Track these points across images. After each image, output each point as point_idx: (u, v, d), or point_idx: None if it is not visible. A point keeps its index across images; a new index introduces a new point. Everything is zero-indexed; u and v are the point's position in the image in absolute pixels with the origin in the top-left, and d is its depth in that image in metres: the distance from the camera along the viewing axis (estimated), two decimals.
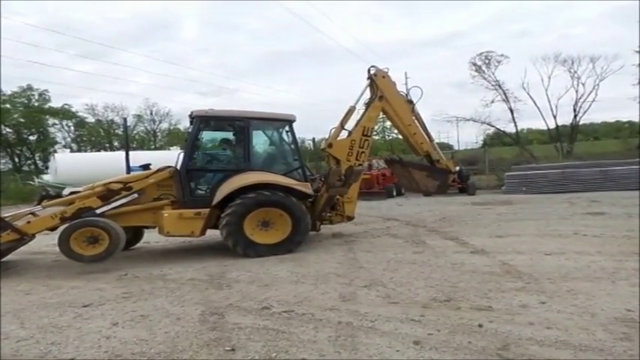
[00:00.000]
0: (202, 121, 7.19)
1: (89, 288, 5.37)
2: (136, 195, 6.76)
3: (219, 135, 8.24)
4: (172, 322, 3.95)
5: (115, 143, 47.03)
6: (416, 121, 9.48)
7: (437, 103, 79.48)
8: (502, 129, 35.61)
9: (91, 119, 47.05)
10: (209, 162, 7.53)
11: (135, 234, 7.99)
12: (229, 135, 7.79)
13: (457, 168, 20.16)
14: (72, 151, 41.70)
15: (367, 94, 9.22)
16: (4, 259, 6.71)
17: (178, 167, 6.99)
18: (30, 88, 41.71)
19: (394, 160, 10.80)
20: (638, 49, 27.68)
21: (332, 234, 8.68)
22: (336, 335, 3.45)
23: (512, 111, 33.57)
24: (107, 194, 6.64)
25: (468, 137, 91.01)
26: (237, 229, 6.67)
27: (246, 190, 6.78)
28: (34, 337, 3.75)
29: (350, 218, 8.44)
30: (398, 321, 3.69)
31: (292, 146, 7.89)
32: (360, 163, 8.66)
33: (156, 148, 43.51)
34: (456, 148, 47.48)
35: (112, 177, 7.23)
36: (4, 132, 40.76)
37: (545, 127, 35.05)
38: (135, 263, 6.71)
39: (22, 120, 41.41)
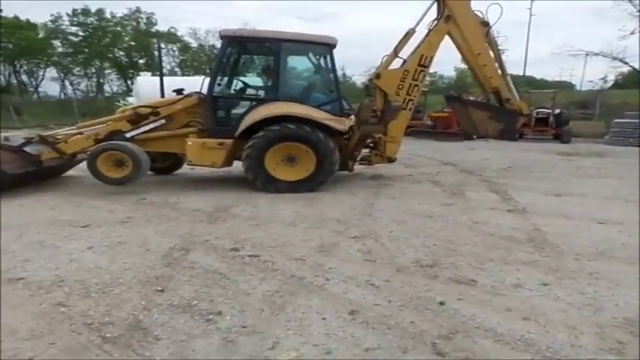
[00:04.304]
0: (230, 42, 6.78)
1: (103, 209, 5.56)
2: (163, 121, 6.75)
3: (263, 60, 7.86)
4: (139, 254, 3.89)
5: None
6: (489, 49, 8.15)
7: (562, 35, 68.22)
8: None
9: (194, 44, 48.85)
10: (236, 89, 7.21)
11: (177, 160, 8.17)
12: (269, 61, 7.35)
13: (553, 111, 17.81)
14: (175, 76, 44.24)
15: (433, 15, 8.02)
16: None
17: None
18: (138, 10, 44.14)
19: (452, 97, 9.59)
20: None
21: (371, 175, 8.13)
22: (275, 290, 3.11)
23: None
24: (136, 118, 6.71)
25: (596, 75, 78.18)
26: (258, 163, 6.44)
27: (272, 121, 6.43)
28: (16, 252, 3.91)
29: (391, 160, 7.78)
30: (355, 283, 3.24)
31: (330, 75, 7.23)
32: (411, 98, 7.76)
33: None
34: (577, 87, 41.94)
35: None
36: (117, 55, 44.39)
37: None
38: (162, 189, 6.85)
39: (132, 43, 44.45)
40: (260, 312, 2.79)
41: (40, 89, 44.97)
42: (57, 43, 42.36)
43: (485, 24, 7.97)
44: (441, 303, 2.90)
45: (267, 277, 3.35)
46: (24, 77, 44.30)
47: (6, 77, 42.75)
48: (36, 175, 6.58)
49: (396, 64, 7.89)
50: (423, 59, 7.71)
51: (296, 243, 4.20)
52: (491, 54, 8.20)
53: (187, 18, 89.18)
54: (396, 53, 7.85)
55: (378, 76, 7.71)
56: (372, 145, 7.88)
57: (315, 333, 2.53)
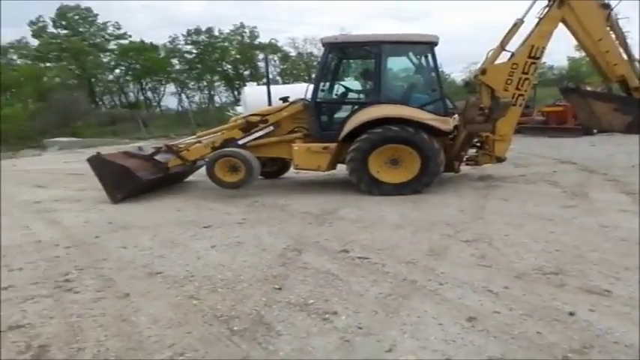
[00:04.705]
0: (331, 48, 6.96)
1: (221, 211, 6.03)
2: (271, 128, 7.12)
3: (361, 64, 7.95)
4: (256, 253, 4.16)
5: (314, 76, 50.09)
6: (611, 33, 7.35)
7: None
8: None
9: (293, 53, 50.75)
10: (338, 94, 7.35)
11: (284, 164, 8.54)
12: (370, 64, 7.40)
13: None
14: (276, 84, 46.26)
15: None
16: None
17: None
18: (242, 25, 47.13)
19: (569, 89, 8.73)
20: None
21: (479, 176, 7.75)
22: (388, 293, 3.12)
23: None
24: (247, 126, 7.17)
25: None
26: (362, 165, 6.50)
27: (375, 124, 6.46)
28: (153, 249, 4.42)
29: (500, 159, 7.35)
30: (471, 289, 3.12)
31: (432, 74, 7.06)
32: (521, 92, 7.27)
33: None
34: None
35: None
36: (225, 68, 47.86)
37: None
38: (271, 192, 7.22)
39: (238, 56, 47.57)
40: (374, 314, 2.82)
41: (162, 103, 50.19)
42: (175, 61, 46.94)
43: (606, 6, 7.20)
44: (571, 314, 2.68)
45: (378, 280, 3.38)
46: (149, 94, 49.77)
47: (135, 94, 48.51)
48: (164, 180, 7.36)
49: (503, 58, 7.46)
50: (533, 50, 7.18)
51: (405, 246, 4.17)
52: (614, 38, 7.38)
53: (284, 28, 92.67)
54: (502, 46, 7.42)
55: (483, 71, 7.35)
56: (479, 144, 7.53)
57: (432, 338, 2.49)
